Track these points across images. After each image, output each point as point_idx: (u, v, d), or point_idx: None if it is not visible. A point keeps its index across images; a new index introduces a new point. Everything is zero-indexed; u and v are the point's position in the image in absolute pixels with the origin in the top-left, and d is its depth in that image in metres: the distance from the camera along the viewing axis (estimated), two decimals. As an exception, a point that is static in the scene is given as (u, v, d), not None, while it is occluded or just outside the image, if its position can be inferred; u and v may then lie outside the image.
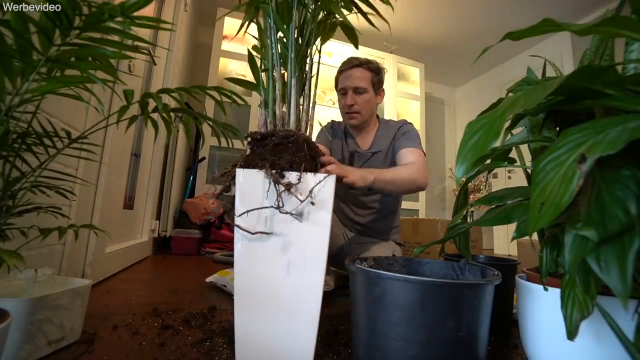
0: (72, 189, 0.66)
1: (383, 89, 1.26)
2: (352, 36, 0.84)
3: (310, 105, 0.75)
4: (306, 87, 0.74)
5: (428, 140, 3.96)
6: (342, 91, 1.22)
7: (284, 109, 0.72)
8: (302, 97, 0.74)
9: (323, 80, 3.35)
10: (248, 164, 0.64)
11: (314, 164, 0.67)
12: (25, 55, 0.43)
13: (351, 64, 1.20)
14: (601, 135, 0.35)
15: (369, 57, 1.26)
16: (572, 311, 0.43)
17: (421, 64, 3.68)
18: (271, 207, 0.59)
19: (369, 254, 1.18)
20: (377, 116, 1.33)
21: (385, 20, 0.81)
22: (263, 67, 0.77)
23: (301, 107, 0.73)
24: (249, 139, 0.68)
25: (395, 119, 1.34)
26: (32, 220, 0.60)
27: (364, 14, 0.80)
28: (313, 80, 0.76)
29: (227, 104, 0.70)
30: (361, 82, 1.18)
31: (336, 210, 1.33)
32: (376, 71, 1.22)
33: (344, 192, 1.31)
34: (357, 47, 0.88)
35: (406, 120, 1.29)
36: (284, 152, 0.63)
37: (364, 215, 1.29)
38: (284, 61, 0.73)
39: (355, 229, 1.30)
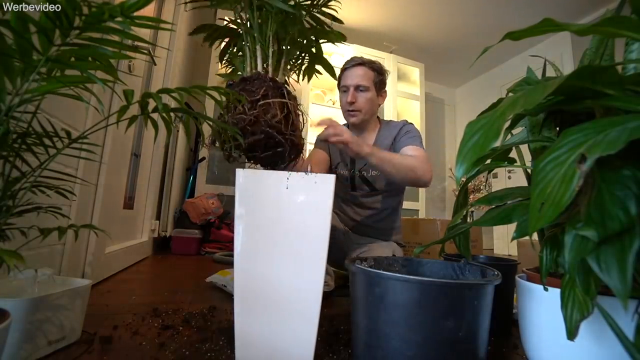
0: (72, 189, 0.66)
1: (385, 91, 1.26)
2: (327, 67, 0.94)
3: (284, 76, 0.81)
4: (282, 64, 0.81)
5: (428, 140, 3.96)
6: (343, 88, 1.22)
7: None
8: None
9: (323, 81, 3.35)
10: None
11: (279, 91, 0.72)
12: (25, 55, 0.43)
13: (354, 62, 1.21)
14: (601, 135, 0.35)
15: (371, 58, 1.26)
16: (572, 311, 0.43)
17: (421, 64, 3.68)
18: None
19: (369, 254, 1.18)
20: (379, 118, 1.33)
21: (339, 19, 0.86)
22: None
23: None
24: (226, 86, 0.74)
25: (396, 119, 1.34)
26: (32, 220, 0.60)
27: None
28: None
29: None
30: (363, 80, 1.18)
31: (338, 211, 1.33)
32: (379, 71, 1.22)
33: (345, 193, 1.30)
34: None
35: (407, 121, 1.29)
36: (250, 84, 0.71)
37: (366, 216, 1.29)
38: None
39: (357, 230, 1.30)
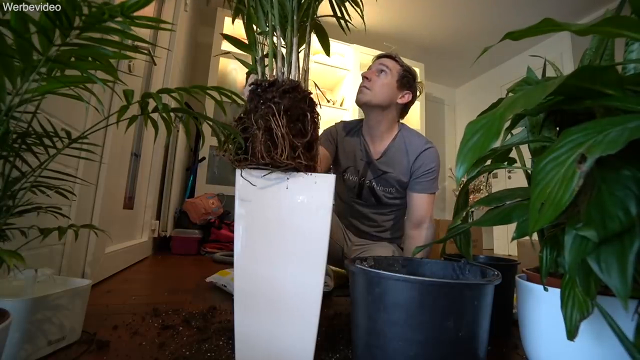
0: (72, 189, 0.66)
1: (409, 93, 1.19)
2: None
3: (306, 66, 0.72)
4: (304, 47, 0.72)
5: (428, 140, 3.95)
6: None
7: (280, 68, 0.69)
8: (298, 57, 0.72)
9: (324, 80, 3.36)
10: (252, 111, 0.62)
11: (313, 117, 0.65)
12: (25, 55, 0.43)
13: (385, 54, 1.21)
14: (601, 136, 0.35)
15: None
16: (572, 311, 0.43)
17: (421, 64, 3.68)
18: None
19: (369, 254, 1.18)
20: (399, 122, 1.25)
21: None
22: (258, 31, 0.76)
23: (300, 64, 0.70)
24: (252, 87, 0.65)
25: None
26: (32, 220, 0.60)
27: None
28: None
29: (227, 104, 0.70)
30: (385, 66, 1.16)
31: (339, 213, 1.32)
32: (407, 69, 1.19)
33: (350, 199, 1.28)
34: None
35: (431, 143, 1.20)
36: (291, 100, 0.62)
37: (368, 226, 1.28)
38: (282, 23, 0.71)
39: (358, 234, 1.30)
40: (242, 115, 0.65)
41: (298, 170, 0.60)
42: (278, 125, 0.58)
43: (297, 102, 0.62)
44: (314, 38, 0.82)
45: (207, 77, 2.67)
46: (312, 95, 0.67)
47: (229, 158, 0.61)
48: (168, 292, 1.14)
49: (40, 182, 0.56)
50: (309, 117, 0.63)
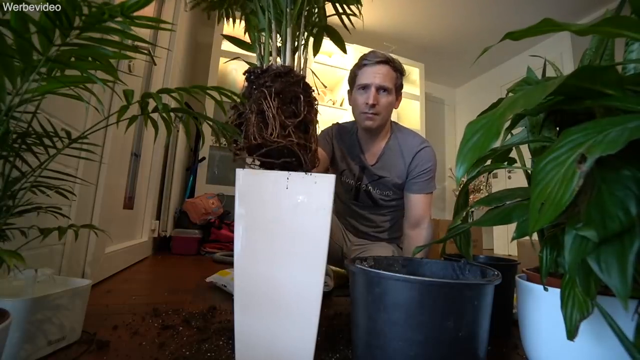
0: (72, 189, 0.66)
1: (401, 95, 1.16)
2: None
3: (303, 59, 0.73)
4: (301, 42, 0.73)
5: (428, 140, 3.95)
6: (361, 86, 1.09)
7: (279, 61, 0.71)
8: (297, 53, 0.73)
9: (324, 80, 3.35)
10: (247, 97, 0.64)
11: (307, 100, 0.65)
12: (25, 55, 0.43)
13: (377, 58, 1.08)
14: (601, 136, 0.35)
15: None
16: (572, 311, 0.43)
17: (421, 64, 3.68)
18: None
19: (369, 254, 1.18)
20: (391, 122, 1.22)
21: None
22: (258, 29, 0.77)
23: (297, 58, 0.72)
24: (247, 75, 0.67)
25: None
26: (32, 220, 0.60)
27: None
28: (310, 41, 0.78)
29: (227, 104, 0.70)
30: (386, 80, 1.06)
31: (339, 213, 1.32)
32: (401, 72, 1.12)
33: (348, 200, 1.28)
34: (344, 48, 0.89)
35: (426, 142, 1.16)
36: (283, 83, 0.63)
37: (366, 226, 1.28)
38: (279, 20, 0.72)
39: (357, 234, 1.30)
40: (236, 104, 0.67)
41: (291, 150, 0.61)
42: (269, 107, 0.60)
43: (290, 85, 0.63)
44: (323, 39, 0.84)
45: (207, 77, 2.67)
46: (307, 81, 0.68)
47: (230, 147, 0.64)
48: (168, 292, 1.14)
49: (40, 182, 0.56)
50: (302, 99, 0.63)
